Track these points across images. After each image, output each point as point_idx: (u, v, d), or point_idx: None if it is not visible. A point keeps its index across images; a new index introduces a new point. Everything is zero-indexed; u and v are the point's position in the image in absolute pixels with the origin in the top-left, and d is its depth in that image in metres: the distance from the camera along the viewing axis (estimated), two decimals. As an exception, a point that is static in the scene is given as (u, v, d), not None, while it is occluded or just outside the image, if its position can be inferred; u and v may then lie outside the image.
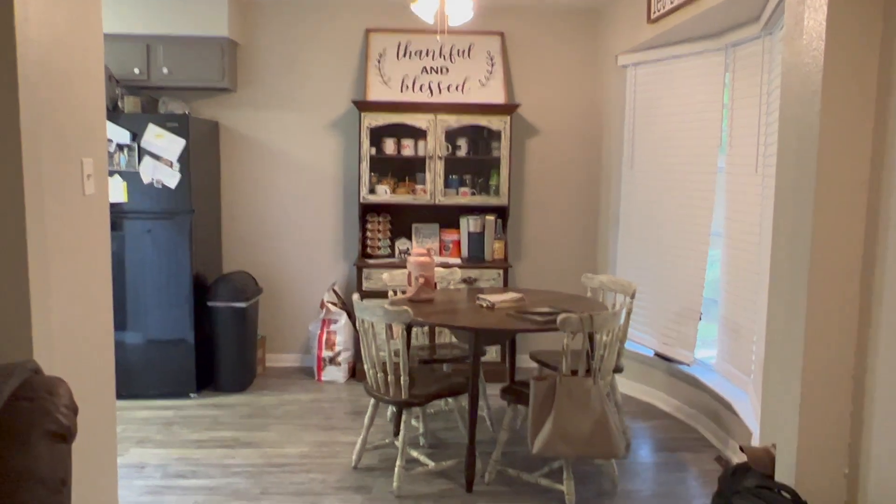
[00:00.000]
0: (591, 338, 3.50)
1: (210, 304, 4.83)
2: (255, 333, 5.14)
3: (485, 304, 3.79)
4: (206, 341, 4.88)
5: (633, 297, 3.97)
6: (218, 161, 5.31)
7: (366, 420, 3.68)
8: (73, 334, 2.51)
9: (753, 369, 3.87)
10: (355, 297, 3.57)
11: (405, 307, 3.32)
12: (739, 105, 4.07)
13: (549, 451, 3.19)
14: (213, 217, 5.21)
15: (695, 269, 4.38)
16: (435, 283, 3.99)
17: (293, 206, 5.42)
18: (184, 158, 4.58)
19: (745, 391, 3.98)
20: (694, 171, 4.39)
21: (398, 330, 3.69)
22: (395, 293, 4.31)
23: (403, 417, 3.46)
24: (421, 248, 4.09)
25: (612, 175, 5.21)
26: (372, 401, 3.65)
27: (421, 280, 3.89)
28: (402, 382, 3.41)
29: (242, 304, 4.85)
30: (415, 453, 3.65)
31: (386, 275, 4.26)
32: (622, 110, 5.05)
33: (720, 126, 4.23)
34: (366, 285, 5.04)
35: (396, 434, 4.04)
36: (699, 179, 4.35)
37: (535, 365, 4.30)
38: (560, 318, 3.19)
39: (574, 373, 3.30)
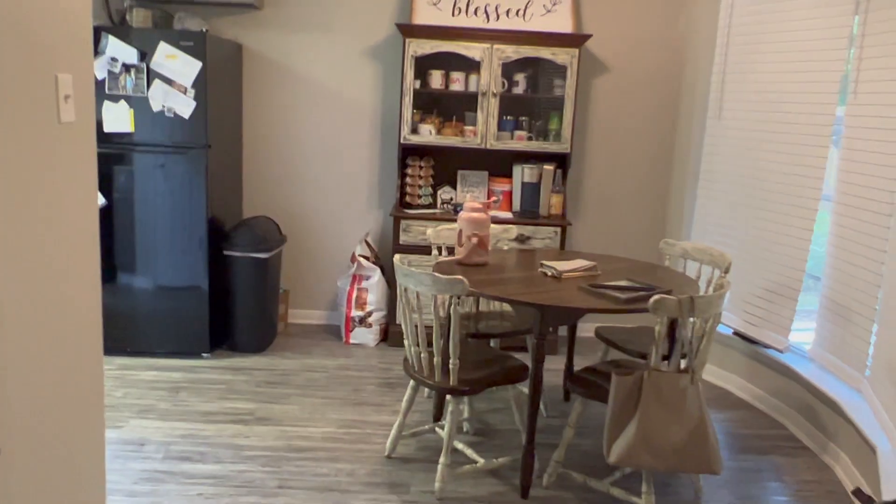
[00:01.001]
0: (672, 323, 2.88)
1: (227, 252, 4.25)
2: (278, 287, 4.56)
3: (549, 273, 3.16)
4: (222, 294, 4.32)
5: (727, 271, 3.31)
6: (240, 89, 4.65)
7: (403, 404, 3.10)
8: (43, 294, 1.93)
9: (871, 366, 3.22)
10: (396, 259, 2.96)
11: (459, 276, 2.70)
12: (873, 42, 3.32)
13: (629, 462, 2.59)
14: (233, 154, 4.59)
15: (797, 240, 3.69)
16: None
17: (324, 145, 4.77)
18: (200, 84, 3.94)
19: (857, 390, 3.34)
20: (804, 123, 3.65)
21: (443, 299, 3.08)
22: (440, 251, 3.69)
23: (450, 407, 2.87)
24: (475, 200, 3.45)
25: (694, 125, 4.48)
26: (412, 382, 3.07)
27: (474, 240, 3.25)
28: (451, 366, 2.81)
29: (264, 255, 4.26)
30: (459, 445, 3.08)
31: (430, 231, 3.62)
32: (712, 48, 4.29)
33: (842, 68, 3.48)
34: (403, 238, 4.42)
35: (437, 419, 3.47)
36: (810, 132, 3.62)
37: (590, 338, 3.68)
38: (654, 299, 2.55)
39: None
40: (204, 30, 4.09)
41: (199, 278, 4.13)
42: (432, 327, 2.84)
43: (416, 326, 2.89)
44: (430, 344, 2.89)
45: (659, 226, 4.89)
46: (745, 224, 4.02)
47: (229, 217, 4.50)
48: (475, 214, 3.27)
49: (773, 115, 3.83)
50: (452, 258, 3.32)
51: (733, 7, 4.12)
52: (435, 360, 2.84)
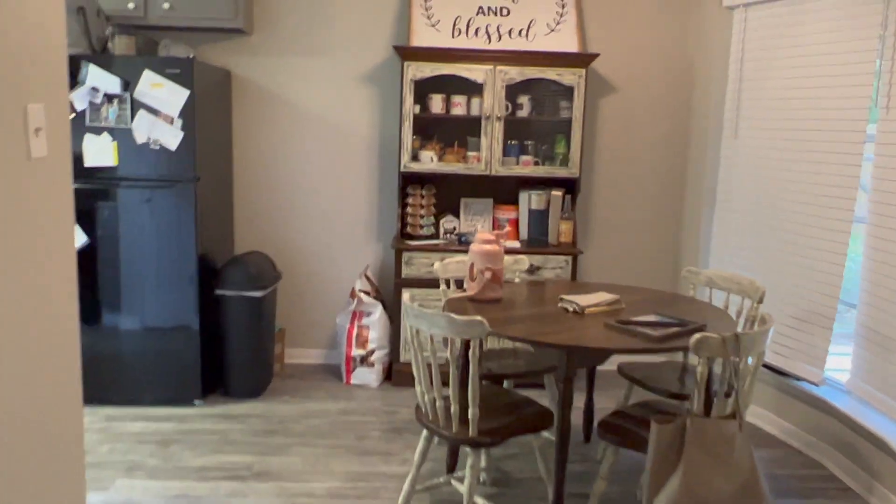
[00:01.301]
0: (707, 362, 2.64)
1: (219, 292, 3.99)
2: (273, 326, 4.29)
3: (571, 308, 2.91)
4: (214, 336, 4.04)
5: (760, 301, 3.07)
6: (229, 118, 4.42)
7: (416, 456, 2.83)
8: (14, 341, 1.67)
9: (920, 400, 2.99)
10: (406, 299, 2.71)
11: (478, 318, 2.45)
12: (904, 54, 3.13)
13: (674, 520, 2.33)
14: (223, 186, 4.34)
15: (829, 265, 3.46)
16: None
17: (319, 175, 4.54)
18: (187, 113, 3.70)
19: (903, 426, 3.10)
20: (832, 141, 3.45)
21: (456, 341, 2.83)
22: (448, 285, 3.44)
23: (469, 461, 2.61)
24: (486, 232, 3.21)
25: (708, 144, 4.28)
26: (425, 432, 2.80)
27: (487, 274, 3.01)
28: (470, 416, 2.55)
29: (258, 294, 4.00)
30: (479, 501, 2.81)
31: (438, 264, 3.37)
32: (725, 64, 4.10)
33: (871, 81, 3.29)
34: (405, 272, 4.17)
35: (451, 470, 3.20)
36: (840, 150, 3.41)
37: (609, 372, 3.43)
38: (696, 339, 2.31)
39: (707, 413, 2.44)
40: (191, 56, 3.86)
41: (190, 319, 3.86)
42: (438, 368, 2.59)
43: (430, 372, 2.63)
44: (444, 383, 2.63)
45: (673, 251, 4.67)
46: (769, 248, 3.80)
47: (220, 254, 4.24)
48: (487, 247, 3.03)
49: (797, 133, 3.63)
50: (464, 295, 3.07)
51: (747, 21, 3.93)
52: (452, 408, 2.58)
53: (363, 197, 4.57)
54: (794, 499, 3.14)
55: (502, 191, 4.52)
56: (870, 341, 3.31)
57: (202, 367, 3.92)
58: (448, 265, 3.41)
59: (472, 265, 3.06)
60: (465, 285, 3.13)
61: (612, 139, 4.58)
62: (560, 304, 2.98)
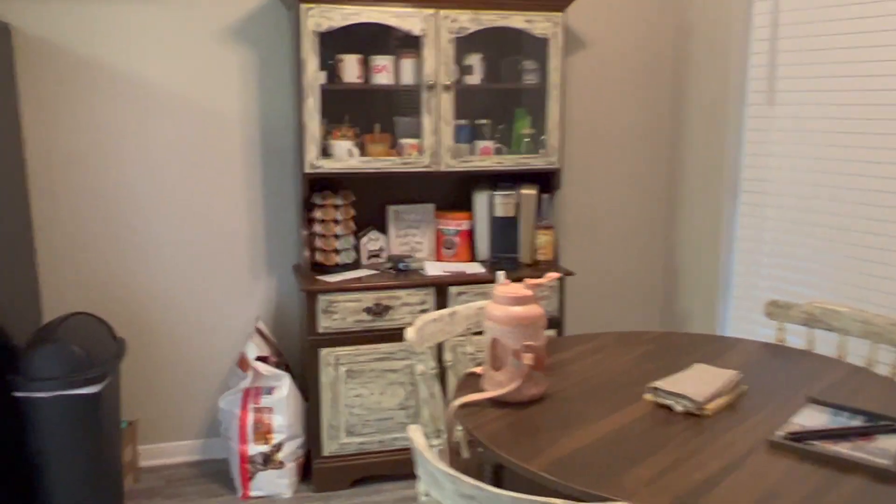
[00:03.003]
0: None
1: (21, 394, 2.39)
2: (117, 428, 2.73)
3: (681, 407, 1.68)
4: (17, 462, 2.44)
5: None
6: (13, 99, 2.76)
7: None
8: None
9: None
10: (422, 451, 1.33)
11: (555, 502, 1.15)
12: None
13: None
14: (11, 209, 2.70)
15: (952, 279, 2.47)
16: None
17: (172, 183, 2.99)
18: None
19: None
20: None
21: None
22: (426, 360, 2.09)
23: None
24: (512, 282, 1.86)
25: (729, 115, 3.17)
26: None
27: (527, 360, 1.70)
28: None
29: (89, 390, 2.44)
30: None
31: (411, 332, 2.00)
32: (745, 5, 3.01)
33: None
34: (325, 324, 2.77)
35: None
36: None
37: None
38: None
39: None
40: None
41: (-31, 447, 2.25)
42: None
43: None
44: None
45: (672, 258, 3.57)
46: (832, 251, 2.76)
47: (18, 326, 2.62)
48: (521, 310, 1.72)
49: (870, 96, 2.58)
50: (484, 395, 1.75)
51: (780, -57, 2.85)
52: None
53: (243, 213, 3.08)
54: None
55: (444, 192, 3.21)
56: None
57: (0, 523, 2.33)
58: (425, 327, 2.06)
59: (494, 343, 1.74)
60: (482, 377, 1.80)
61: (584, 114, 3.39)
62: (652, 398, 1.74)
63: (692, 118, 3.36)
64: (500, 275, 1.90)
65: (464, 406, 1.72)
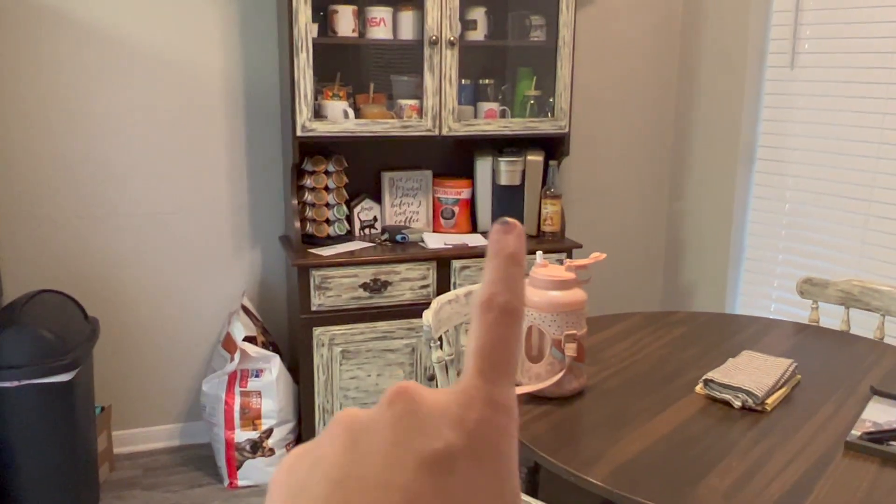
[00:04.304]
0: None
1: (-19, 382, 2.14)
2: (91, 416, 2.49)
3: (740, 403, 1.52)
4: (-20, 460, 2.21)
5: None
6: (-33, 54, 2.45)
7: None
8: None
9: None
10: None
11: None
12: None
13: None
14: (-30, 178, 2.41)
15: None
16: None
17: (147, 147, 2.71)
18: None
19: None
20: None
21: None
22: (441, 343, 1.90)
23: None
24: (551, 263, 1.66)
25: (746, 81, 2.98)
26: None
27: (571, 352, 1.52)
28: None
29: (61, 378, 2.20)
30: None
31: (429, 314, 1.80)
32: (766, -43, 2.82)
33: None
34: (318, 302, 2.55)
35: None
36: None
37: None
38: None
39: None
40: None
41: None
42: None
43: None
44: None
45: (679, 229, 3.41)
46: (855, 223, 2.62)
47: (-23, 303, 2.35)
48: (562, 295, 1.53)
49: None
50: (521, 390, 1.56)
51: None
52: None
53: (224, 181, 2.82)
54: None
55: (443, 158, 2.99)
56: None
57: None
58: (441, 309, 1.86)
59: (532, 331, 1.55)
60: (520, 371, 1.61)
61: (589, 76, 3.18)
62: (706, 392, 1.57)
63: (705, 80, 3.17)
64: (538, 255, 1.70)
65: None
